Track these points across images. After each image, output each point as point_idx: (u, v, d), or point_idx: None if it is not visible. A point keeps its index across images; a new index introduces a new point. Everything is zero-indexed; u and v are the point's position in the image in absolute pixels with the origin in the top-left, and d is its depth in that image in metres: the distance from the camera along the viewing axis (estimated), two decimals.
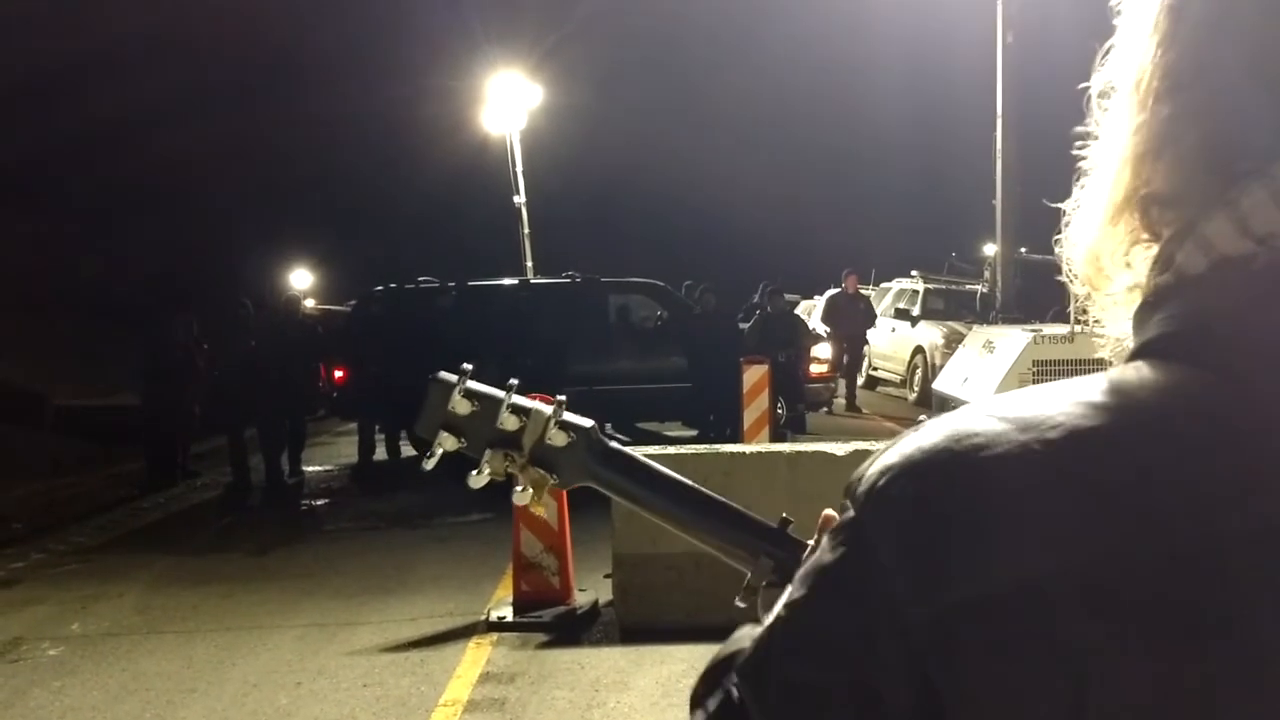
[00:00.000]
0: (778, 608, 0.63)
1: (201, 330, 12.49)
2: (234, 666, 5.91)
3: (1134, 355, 0.62)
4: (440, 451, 1.10)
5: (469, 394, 1.09)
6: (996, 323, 13.94)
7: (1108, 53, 0.67)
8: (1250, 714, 0.52)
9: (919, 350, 17.28)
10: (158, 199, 29.23)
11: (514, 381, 1.11)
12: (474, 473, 1.08)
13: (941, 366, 15.16)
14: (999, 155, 15.32)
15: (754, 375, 10.65)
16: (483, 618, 6.44)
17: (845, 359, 16.45)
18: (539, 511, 1.06)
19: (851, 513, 0.61)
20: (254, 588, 7.58)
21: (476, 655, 5.90)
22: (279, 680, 5.66)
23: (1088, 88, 0.68)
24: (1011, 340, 10.43)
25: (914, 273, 20.15)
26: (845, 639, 0.58)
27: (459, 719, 5.08)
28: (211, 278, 22.13)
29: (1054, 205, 0.73)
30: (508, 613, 6.42)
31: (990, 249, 19.31)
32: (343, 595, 7.24)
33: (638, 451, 1.11)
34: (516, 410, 1.08)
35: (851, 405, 16.54)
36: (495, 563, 7.37)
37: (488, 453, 1.08)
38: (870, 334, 18.75)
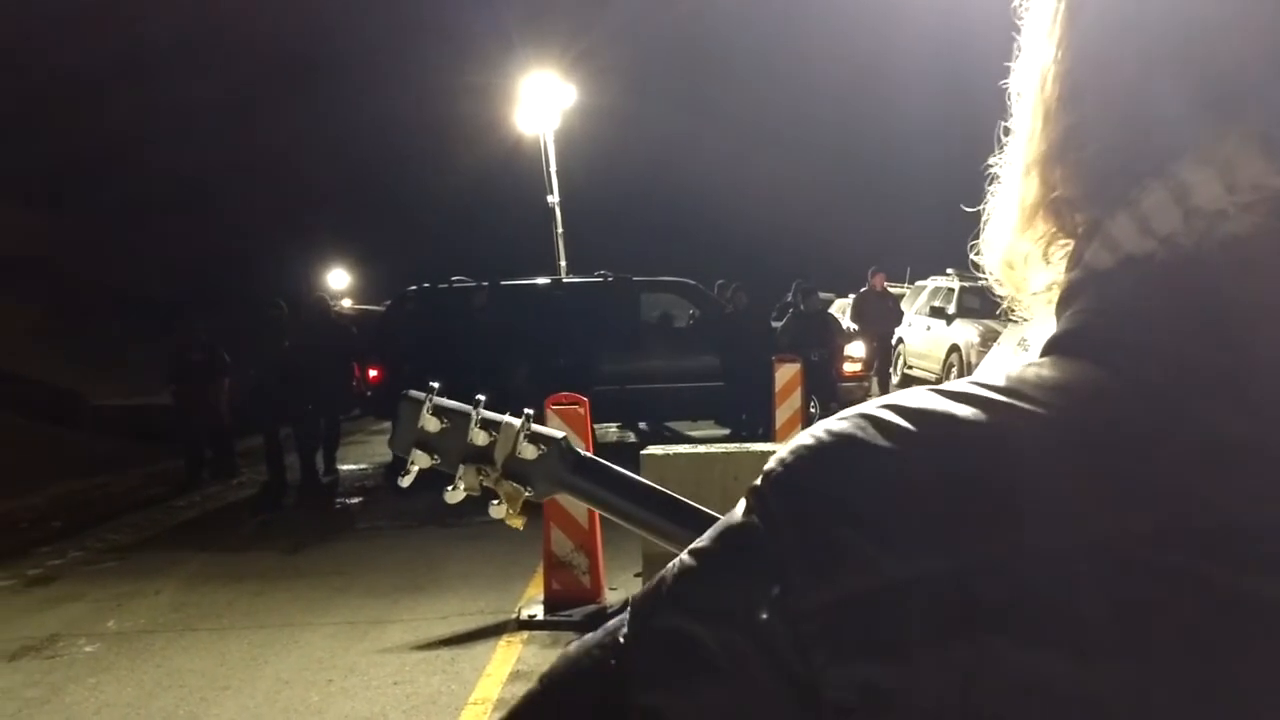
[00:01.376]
0: (683, 552, 0.63)
1: (217, 334, 12.63)
2: (267, 664, 5.95)
3: (1044, 351, 0.62)
4: (415, 469, 1.12)
5: (438, 410, 1.10)
6: (1017, 321, 13.81)
7: (1016, 55, 0.67)
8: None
9: (954, 349, 17.16)
10: (197, 200, 29.51)
11: (481, 397, 1.11)
12: (449, 488, 1.10)
13: (977, 365, 15.07)
14: None
15: (786, 374, 10.62)
16: (513, 616, 6.45)
17: (875, 358, 16.36)
18: (517, 524, 1.07)
19: (759, 483, 0.60)
20: (287, 585, 7.63)
21: (507, 654, 5.91)
22: (311, 677, 5.69)
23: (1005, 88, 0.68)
24: (1044, 337, 10.35)
25: (949, 270, 20.00)
26: (734, 601, 0.57)
27: (489, 717, 5.08)
28: (249, 279, 22.31)
29: (970, 210, 0.73)
30: (538, 611, 6.42)
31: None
32: (375, 593, 7.28)
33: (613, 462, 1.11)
34: (486, 425, 1.09)
35: None
36: (526, 561, 7.38)
37: (461, 468, 1.09)
38: (905, 332, 18.64)
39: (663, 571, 0.63)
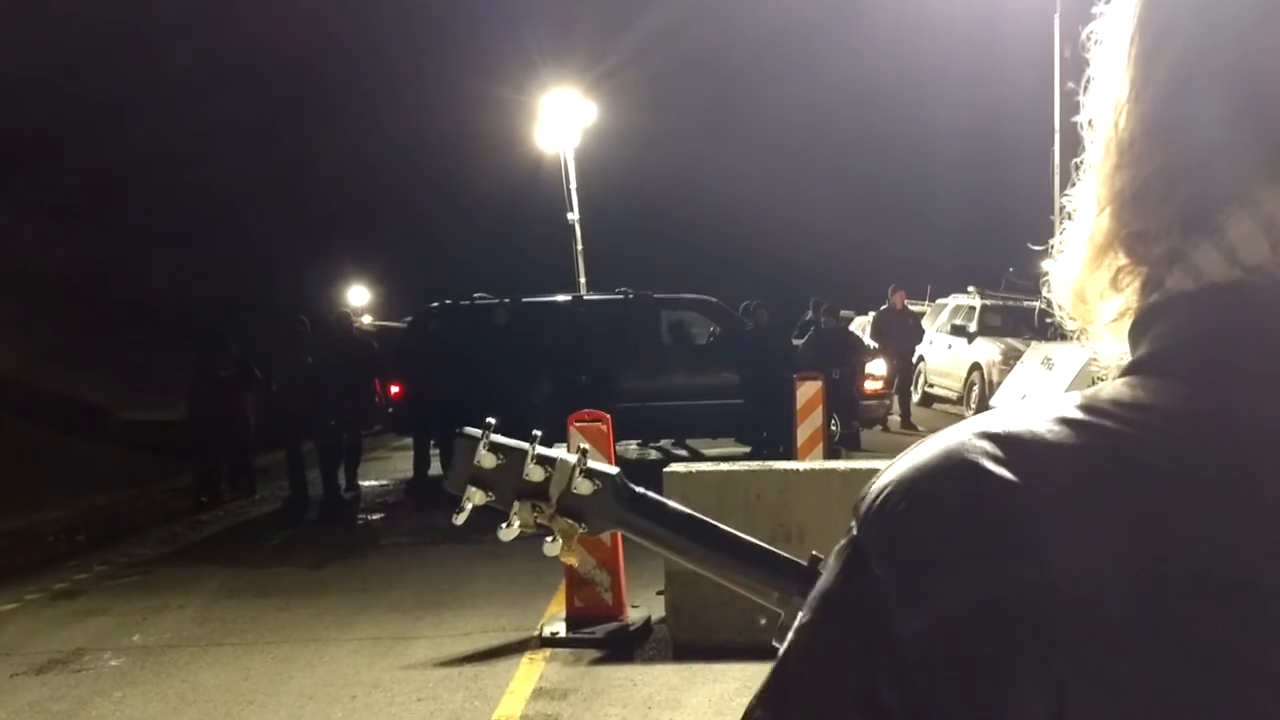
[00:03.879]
0: (791, 632, 0.64)
1: (241, 353, 12.67)
2: (291, 679, 5.97)
3: (1125, 372, 0.62)
4: (470, 506, 1.11)
5: (494, 447, 1.10)
6: (1055, 339, 13.77)
7: (1088, 84, 0.66)
8: None
9: (976, 367, 17.10)
10: (220, 216, 29.71)
11: (537, 433, 1.12)
12: (503, 525, 1.09)
13: (999, 383, 15.02)
14: (1056, 170, 15.16)
15: (807, 392, 10.59)
16: (536, 633, 6.45)
17: (896, 376, 16.32)
18: (570, 561, 1.07)
19: (854, 531, 0.62)
20: (311, 601, 7.66)
21: (530, 671, 5.91)
22: (335, 693, 5.71)
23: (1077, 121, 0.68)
24: (1071, 356, 10.30)
25: (970, 288, 19.95)
26: (848, 660, 0.59)
27: None
28: (271, 294, 22.44)
29: (1036, 248, 0.73)
30: (561, 628, 6.43)
31: (1048, 265, 19.06)
32: (398, 609, 7.30)
33: (665, 498, 1.11)
34: (542, 461, 1.09)
35: (907, 423, 16.39)
36: (548, 578, 7.39)
37: (516, 504, 1.09)
38: (926, 350, 18.58)
39: (779, 656, 0.64)
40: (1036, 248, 0.73)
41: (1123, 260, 0.65)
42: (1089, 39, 0.66)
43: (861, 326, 18.94)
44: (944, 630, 0.55)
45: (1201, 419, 0.56)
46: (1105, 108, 0.64)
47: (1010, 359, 15.09)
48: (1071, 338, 0.73)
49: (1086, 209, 0.66)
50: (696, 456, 13.67)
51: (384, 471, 14.63)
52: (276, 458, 13.14)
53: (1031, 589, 0.53)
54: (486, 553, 8.51)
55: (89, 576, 8.88)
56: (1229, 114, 0.58)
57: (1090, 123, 0.66)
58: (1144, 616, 0.52)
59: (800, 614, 0.64)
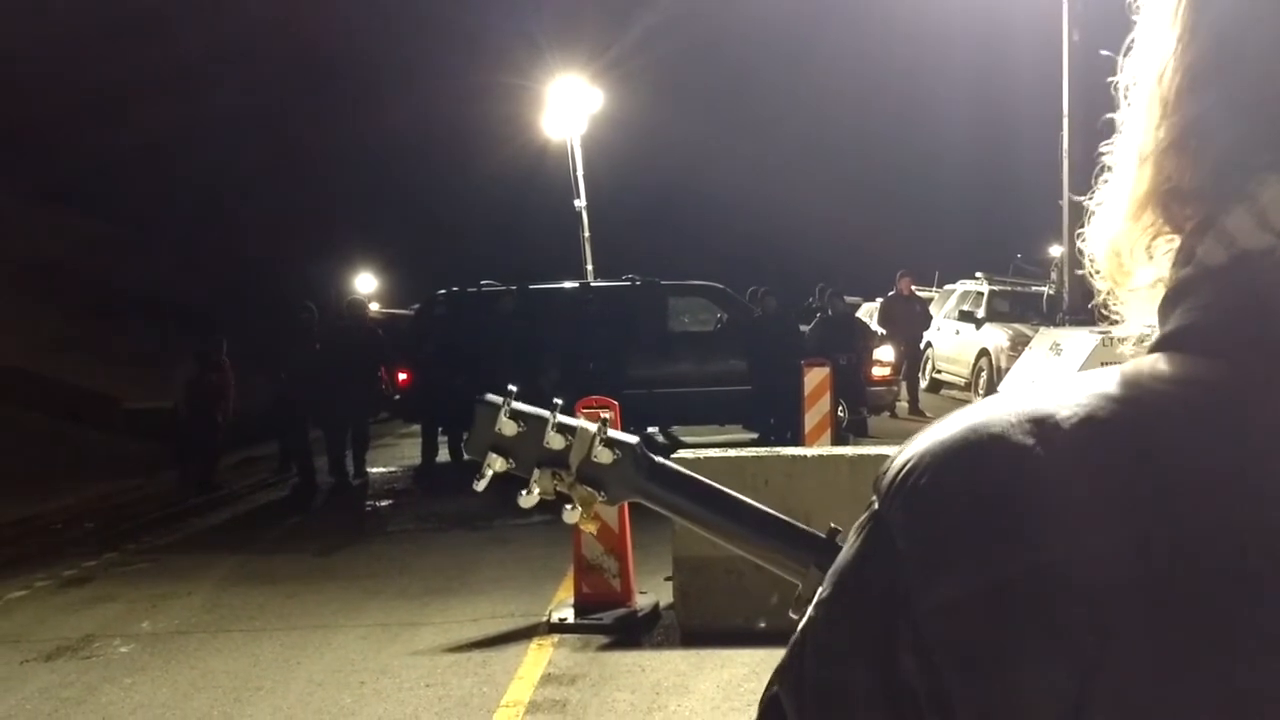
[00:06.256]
0: (810, 608, 0.64)
1: (244, 339, 12.68)
2: (299, 665, 5.98)
3: (1154, 347, 0.61)
4: (490, 473, 1.11)
5: (515, 414, 1.10)
6: (1063, 324, 13.73)
7: (1129, 48, 0.66)
8: (1257, 713, 0.51)
9: (984, 353, 17.07)
10: (228, 205, 29.73)
11: (558, 401, 1.12)
12: (524, 492, 1.10)
13: (1007, 369, 14.98)
14: (1065, 155, 15.08)
15: (815, 378, 10.57)
16: (544, 619, 6.46)
17: (904, 363, 16.30)
18: (589, 529, 1.08)
19: (876, 506, 0.62)
20: (319, 587, 7.68)
21: (538, 656, 5.92)
22: (343, 679, 5.73)
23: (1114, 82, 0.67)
24: (1079, 342, 10.26)
25: (978, 274, 19.91)
26: (869, 635, 0.58)
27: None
28: (278, 283, 22.44)
29: (1077, 199, 0.72)
30: (569, 614, 6.43)
31: (1056, 250, 19.03)
32: (406, 596, 7.31)
33: (683, 466, 1.11)
34: (562, 429, 1.09)
35: (915, 409, 16.38)
36: (556, 564, 7.40)
37: (536, 472, 1.09)
38: (934, 336, 18.55)
39: (798, 630, 0.64)
40: (1078, 199, 0.71)
41: (1158, 220, 0.64)
42: (1132, 4, 0.66)
43: (869, 313, 18.93)
44: (965, 606, 0.54)
45: (1232, 394, 0.56)
46: (1150, 64, 0.64)
47: (1018, 345, 15.03)
48: (1097, 300, 0.72)
49: (1126, 165, 0.65)
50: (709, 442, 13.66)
51: (392, 458, 14.66)
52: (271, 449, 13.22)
53: (1051, 568, 0.53)
54: (495, 539, 8.53)
55: (98, 564, 8.91)
56: (1271, 72, 0.57)
57: (1133, 83, 0.66)
58: (1161, 599, 0.51)
59: (821, 588, 0.64)
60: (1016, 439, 0.57)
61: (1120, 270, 0.68)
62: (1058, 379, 0.62)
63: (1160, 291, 0.64)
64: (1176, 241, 0.63)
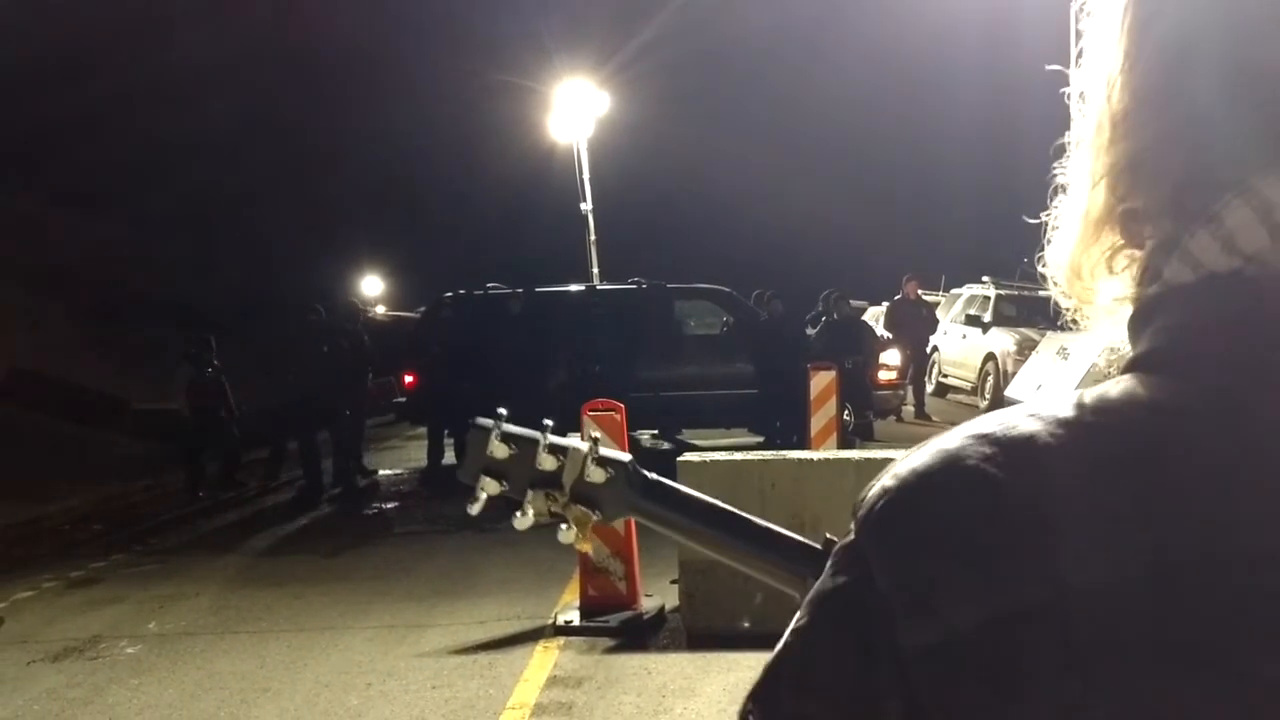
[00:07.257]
0: (786, 633, 0.63)
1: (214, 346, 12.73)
2: (306, 667, 6.00)
3: (1128, 368, 0.61)
4: (484, 496, 1.12)
5: (506, 437, 1.10)
6: (1071, 329, 13.69)
7: (1079, 57, 0.65)
8: None
9: (990, 357, 17.03)
10: (236, 208, 29.77)
11: (548, 422, 1.12)
12: (518, 514, 1.10)
13: (1014, 374, 14.97)
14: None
15: (821, 382, 10.55)
16: (550, 622, 6.47)
17: (910, 367, 16.28)
18: (586, 548, 1.08)
19: (852, 536, 0.61)
20: (325, 589, 7.70)
21: (544, 659, 5.93)
22: (350, 681, 5.74)
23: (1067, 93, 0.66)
24: (1087, 346, 10.24)
25: (985, 278, 19.87)
26: (845, 669, 0.58)
27: None
28: (285, 286, 22.49)
29: (1032, 221, 0.71)
30: (575, 617, 6.44)
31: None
32: (413, 597, 7.32)
33: (677, 483, 1.11)
34: (554, 450, 1.09)
35: (921, 413, 16.36)
36: (562, 567, 7.41)
37: (529, 493, 1.10)
38: (940, 341, 18.52)
39: (772, 656, 0.64)
40: (1033, 220, 0.71)
41: (1118, 239, 0.63)
42: (1080, 10, 0.65)
43: (875, 317, 18.90)
44: (954, 644, 0.54)
45: (1203, 416, 0.55)
46: (1098, 80, 0.62)
47: (1025, 349, 15.02)
48: (1066, 316, 0.72)
49: (1080, 183, 0.65)
50: (714, 446, 13.66)
51: (398, 460, 14.68)
52: (261, 454, 13.26)
53: (1039, 602, 0.52)
54: (501, 541, 8.53)
55: (105, 565, 8.94)
56: (1225, 90, 0.57)
57: (1082, 95, 0.65)
58: (1150, 623, 0.51)
59: (798, 614, 0.63)
60: (989, 469, 0.56)
61: (1083, 288, 0.67)
62: (1029, 402, 0.61)
63: (1124, 307, 0.64)
64: (1138, 255, 0.63)
